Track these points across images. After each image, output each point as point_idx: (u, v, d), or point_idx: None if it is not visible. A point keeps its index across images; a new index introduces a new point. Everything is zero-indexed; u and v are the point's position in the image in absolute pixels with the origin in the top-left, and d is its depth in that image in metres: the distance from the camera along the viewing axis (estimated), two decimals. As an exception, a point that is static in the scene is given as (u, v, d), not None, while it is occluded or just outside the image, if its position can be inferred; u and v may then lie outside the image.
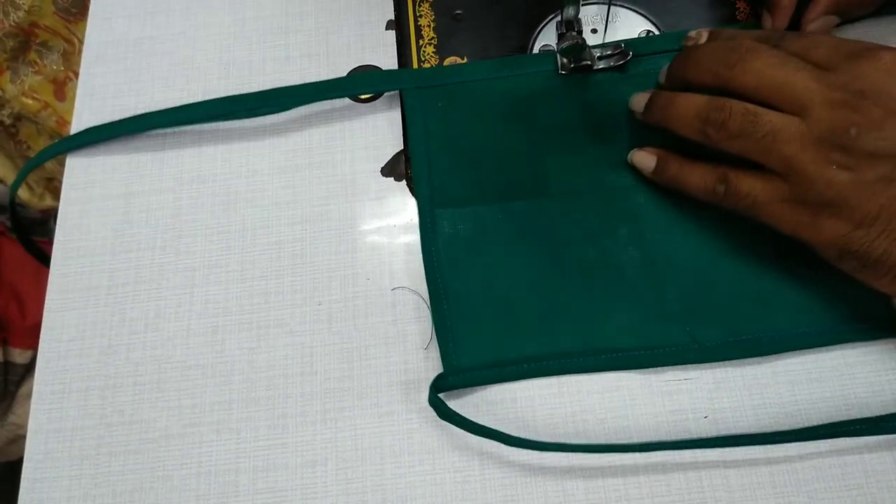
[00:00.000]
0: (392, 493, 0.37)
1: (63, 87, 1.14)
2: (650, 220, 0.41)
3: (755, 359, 0.38)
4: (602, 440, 0.37)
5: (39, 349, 0.42)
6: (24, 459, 0.40)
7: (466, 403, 0.39)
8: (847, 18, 0.43)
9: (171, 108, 0.47)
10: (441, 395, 0.38)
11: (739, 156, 0.36)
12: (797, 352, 0.38)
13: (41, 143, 1.13)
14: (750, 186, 0.36)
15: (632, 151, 0.42)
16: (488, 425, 0.37)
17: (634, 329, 0.39)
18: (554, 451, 0.37)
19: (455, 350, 0.39)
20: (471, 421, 0.37)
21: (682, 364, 0.38)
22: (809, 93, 0.34)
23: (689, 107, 0.37)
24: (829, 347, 0.38)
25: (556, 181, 0.43)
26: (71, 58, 1.13)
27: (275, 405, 0.39)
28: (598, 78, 0.45)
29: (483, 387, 0.39)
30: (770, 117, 0.34)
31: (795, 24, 0.43)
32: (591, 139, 0.44)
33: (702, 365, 0.38)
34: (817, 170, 0.33)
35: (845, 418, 0.36)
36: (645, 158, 0.41)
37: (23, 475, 0.39)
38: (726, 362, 0.38)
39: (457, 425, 0.37)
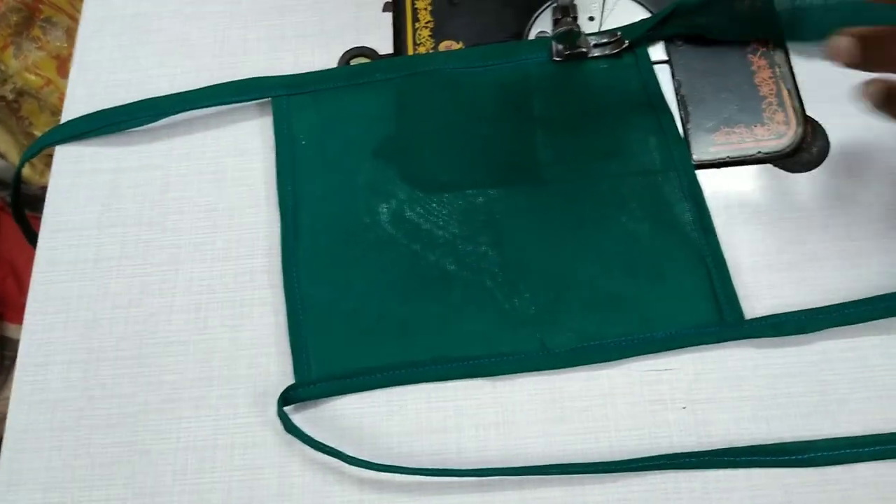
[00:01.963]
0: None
1: (66, 63, 1.14)
2: (508, 226, 0.41)
3: (737, 350, 0.38)
4: (580, 428, 0.37)
5: (24, 321, 0.42)
6: (6, 429, 0.40)
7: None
8: None
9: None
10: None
11: None
12: (778, 345, 0.38)
13: (43, 120, 1.13)
14: None
15: (867, 85, 0.35)
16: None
17: (487, 336, 0.39)
18: (389, 473, 0.36)
19: (308, 361, 0.39)
20: (311, 438, 0.37)
21: (530, 371, 0.38)
22: None
23: None
24: (812, 341, 0.38)
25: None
26: (75, 34, 1.13)
27: (255, 383, 0.39)
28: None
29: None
30: None
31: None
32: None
33: (682, 354, 0.38)
34: None
35: (823, 413, 0.36)
36: (877, 89, 0.34)
37: (3, 445, 0.40)
38: (706, 352, 0.38)
39: (300, 440, 0.37)
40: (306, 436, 0.37)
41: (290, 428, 0.37)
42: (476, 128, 0.44)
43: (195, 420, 0.39)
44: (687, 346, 0.38)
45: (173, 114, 0.46)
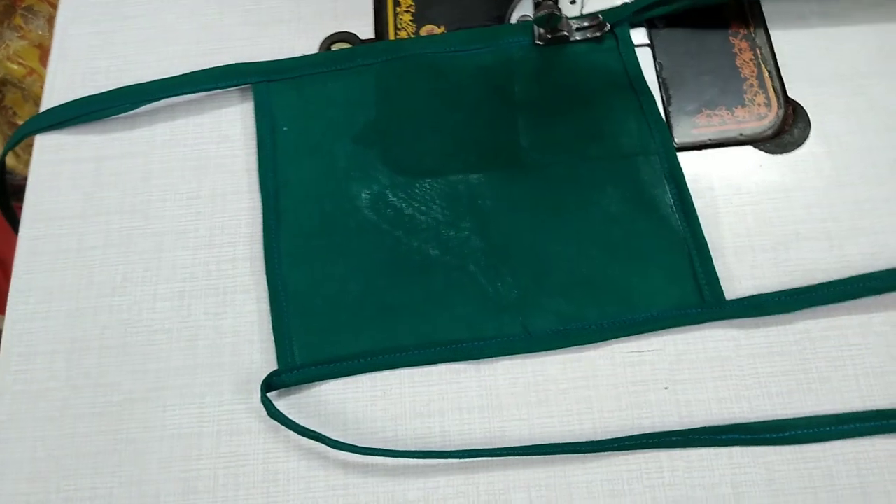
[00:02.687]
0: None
1: (49, 52, 1.13)
2: (491, 210, 0.41)
3: (719, 330, 0.38)
4: (563, 410, 0.37)
5: (7, 311, 0.42)
6: (-10, 420, 0.40)
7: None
8: None
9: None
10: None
11: None
12: (760, 325, 0.38)
13: (27, 110, 1.12)
14: None
15: None
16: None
17: (470, 320, 0.39)
18: (373, 456, 0.36)
19: (291, 347, 0.39)
20: (295, 423, 0.37)
21: (513, 354, 0.38)
22: None
23: None
24: (794, 321, 0.38)
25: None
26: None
27: (239, 370, 0.39)
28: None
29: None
30: None
31: None
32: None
33: (664, 336, 0.38)
34: None
35: (805, 392, 0.37)
36: None
37: (-13, 436, 0.40)
38: (688, 333, 0.38)
39: (284, 425, 0.37)
40: (290, 421, 0.37)
41: (274, 413, 0.37)
42: (458, 112, 0.44)
43: (180, 408, 0.39)
44: (668, 328, 0.38)
45: (154, 101, 0.46)
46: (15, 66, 1.08)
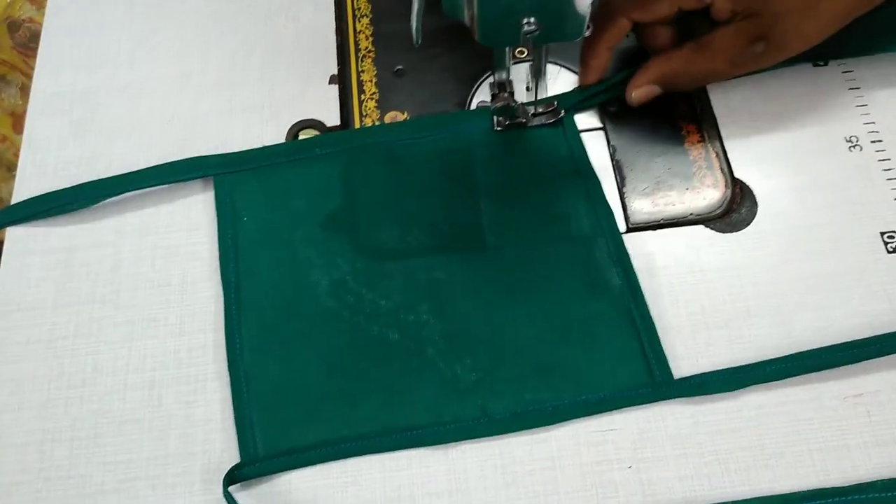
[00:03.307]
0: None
1: (21, 120, 1.12)
2: (449, 294, 0.43)
3: (679, 407, 0.39)
4: (529, 492, 0.38)
5: (-23, 404, 0.42)
6: (-41, 517, 0.40)
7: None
8: (671, 91, 0.46)
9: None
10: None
11: None
12: (717, 401, 0.39)
13: (-2, 177, 1.13)
14: (787, 27, 0.41)
15: (630, 93, 0.45)
16: None
17: (429, 405, 0.40)
18: None
19: (254, 438, 0.40)
20: None
21: (472, 438, 0.39)
22: None
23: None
24: (746, 397, 0.39)
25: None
26: (29, 91, 1.13)
27: (209, 460, 0.40)
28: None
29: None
30: None
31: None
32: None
33: (626, 414, 0.39)
34: None
35: (762, 468, 0.38)
36: (645, 91, 0.45)
37: (-43, 533, 0.39)
38: (649, 411, 0.39)
39: None
40: None
41: None
42: (420, 197, 0.45)
43: (152, 500, 0.39)
44: (620, 408, 0.39)
45: (119, 194, 0.47)
46: (-14, 136, 1.08)
